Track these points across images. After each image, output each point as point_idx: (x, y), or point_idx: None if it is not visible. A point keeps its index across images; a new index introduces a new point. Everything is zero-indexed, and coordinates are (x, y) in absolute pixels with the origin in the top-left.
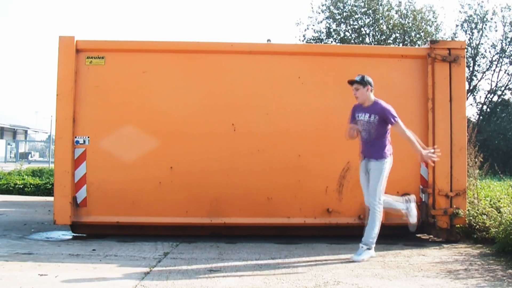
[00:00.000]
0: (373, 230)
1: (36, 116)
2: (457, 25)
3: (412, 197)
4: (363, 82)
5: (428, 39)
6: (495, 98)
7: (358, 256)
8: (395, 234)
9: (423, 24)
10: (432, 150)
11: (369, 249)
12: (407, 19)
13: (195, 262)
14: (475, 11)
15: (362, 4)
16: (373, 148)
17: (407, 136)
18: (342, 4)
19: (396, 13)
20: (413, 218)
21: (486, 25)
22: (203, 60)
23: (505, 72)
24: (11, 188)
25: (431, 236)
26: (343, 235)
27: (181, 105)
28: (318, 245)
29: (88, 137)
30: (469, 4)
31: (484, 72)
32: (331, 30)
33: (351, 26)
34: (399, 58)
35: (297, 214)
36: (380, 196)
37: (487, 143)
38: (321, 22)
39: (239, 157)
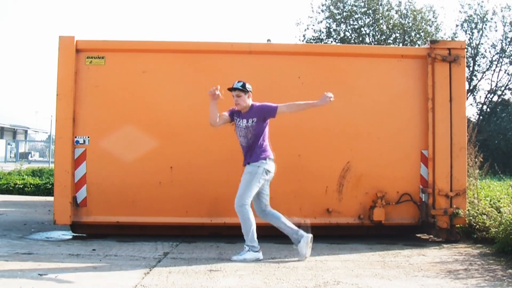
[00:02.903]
0: (249, 233)
1: (36, 116)
2: (457, 25)
3: (307, 237)
4: (244, 90)
5: (428, 39)
6: (495, 98)
7: (240, 256)
8: (395, 234)
9: (423, 24)
10: (329, 94)
11: (253, 251)
12: (407, 19)
13: (195, 262)
14: (475, 11)
15: (362, 4)
16: (250, 152)
17: (297, 106)
18: (342, 4)
19: (396, 13)
20: (301, 255)
21: (486, 25)
22: (203, 60)
23: (505, 72)
24: (11, 188)
25: (431, 236)
26: (343, 235)
27: (181, 105)
28: (318, 245)
29: (88, 137)
30: (469, 4)
31: (484, 72)
32: (331, 30)
33: (351, 26)
34: (399, 58)
35: (297, 214)
36: (247, 200)
37: (487, 143)
38: (321, 22)
39: (239, 157)
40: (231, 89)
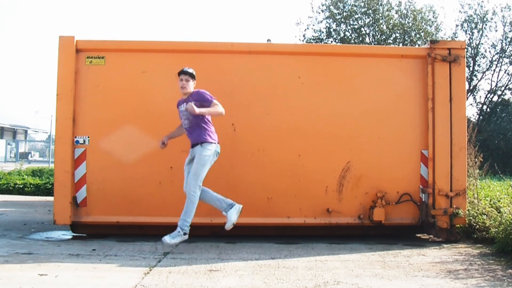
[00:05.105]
0: (190, 217)
1: (36, 116)
2: (457, 25)
3: (238, 206)
4: (193, 76)
5: (428, 39)
6: (495, 98)
7: (172, 239)
8: (395, 234)
9: (423, 24)
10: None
11: (185, 234)
12: (407, 19)
13: (195, 262)
14: (475, 11)
15: (362, 4)
16: (196, 132)
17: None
18: (342, 4)
19: (396, 13)
20: (229, 223)
21: (486, 25)
22: (203, 60)
23: (505, 72)
24: (11, 188)
25: (431, 236)
26: (343, 235)
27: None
28: (318, 245)
29: (88, 137)
30: (469, 4)
31: (484, 72)
32: (331, 30)
33: (351, 26)
34: (399, 58)
35: (297, 214)
36: (200, 183)
37: (487, 143)
38: (321, 22)
39: (239, 156)
40: (182, 73)
